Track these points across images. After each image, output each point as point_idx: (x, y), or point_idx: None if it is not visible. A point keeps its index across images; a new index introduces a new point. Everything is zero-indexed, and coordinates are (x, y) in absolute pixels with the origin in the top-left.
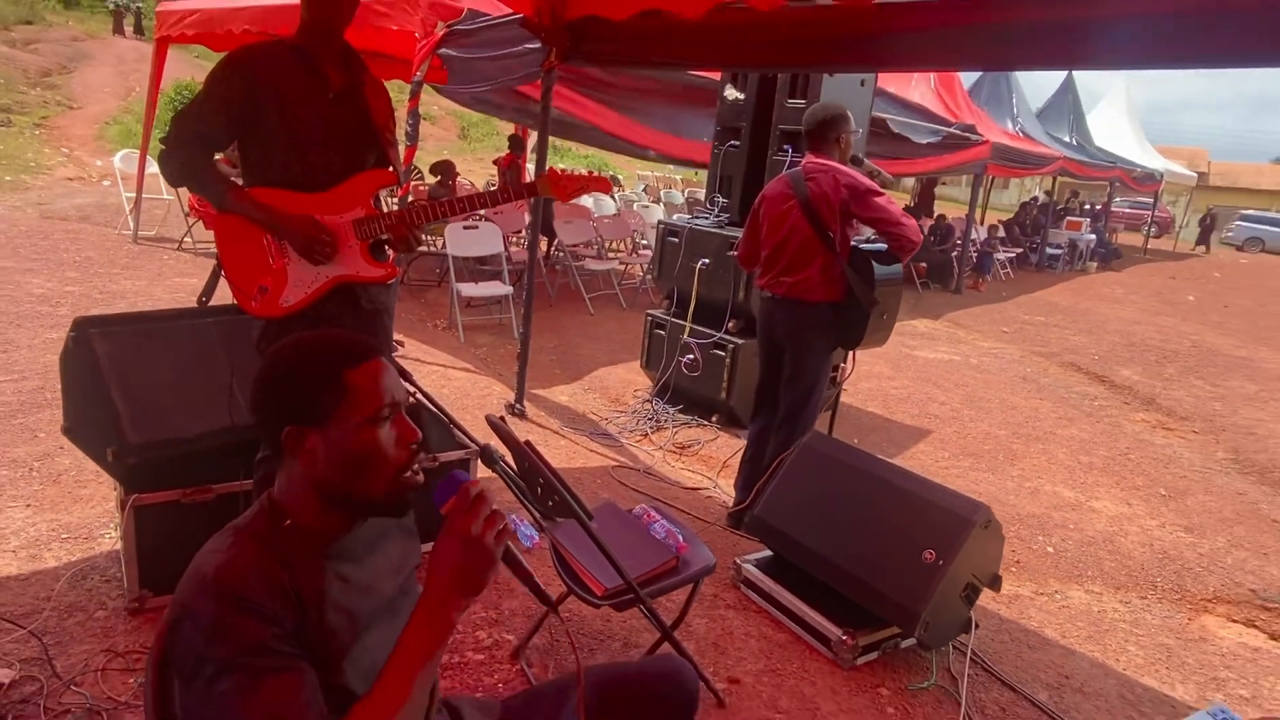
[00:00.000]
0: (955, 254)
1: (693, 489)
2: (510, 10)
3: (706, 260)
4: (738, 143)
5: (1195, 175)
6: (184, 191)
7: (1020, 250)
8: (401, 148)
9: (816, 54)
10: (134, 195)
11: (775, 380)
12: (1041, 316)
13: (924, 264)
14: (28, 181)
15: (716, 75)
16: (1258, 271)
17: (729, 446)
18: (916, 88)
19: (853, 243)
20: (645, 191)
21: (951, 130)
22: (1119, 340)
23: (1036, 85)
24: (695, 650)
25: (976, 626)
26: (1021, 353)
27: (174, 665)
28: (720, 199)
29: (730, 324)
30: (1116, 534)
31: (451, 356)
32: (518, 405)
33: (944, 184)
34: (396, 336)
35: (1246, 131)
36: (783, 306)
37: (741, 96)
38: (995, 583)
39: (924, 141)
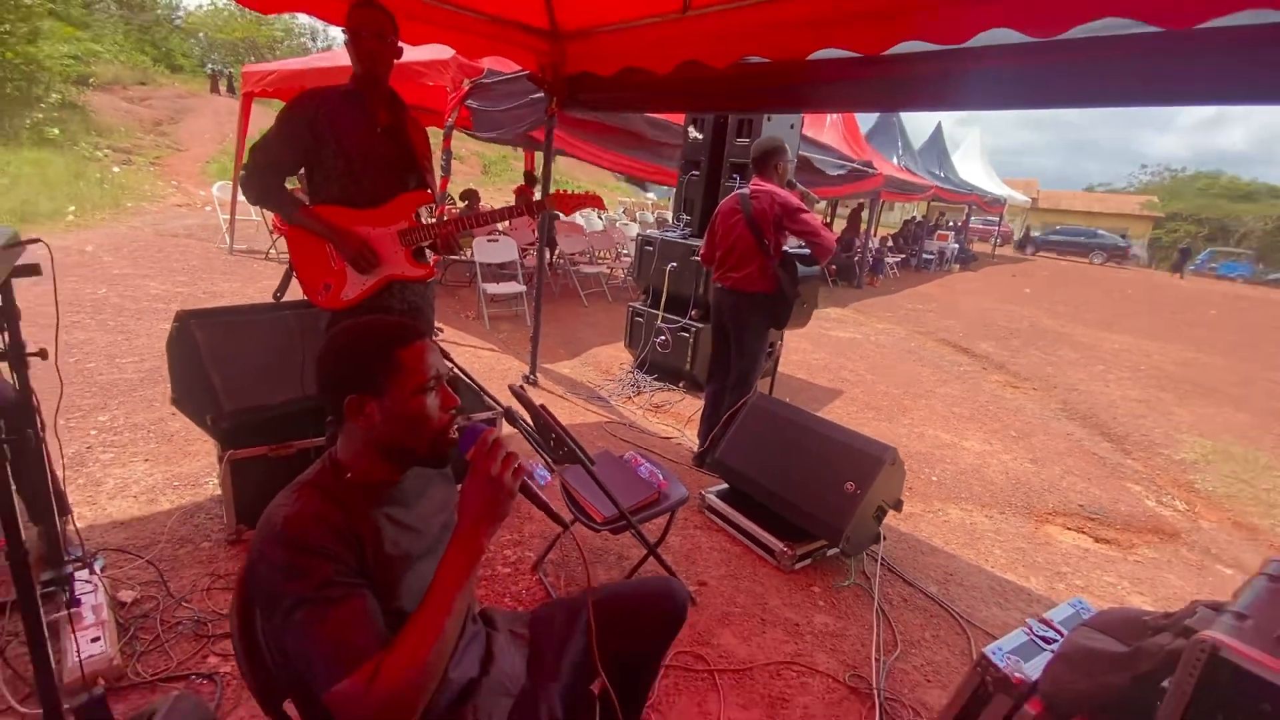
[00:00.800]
0: (857, 259)
1: (666, 438)
2: (520, 68)
3: (674, 263)
4: (698, 173)
5: (1029, 200)
6: (269, 213)
7: (904, 256)
8: (437, 178)
9: (757, 100)
10: (229, 217)
11: (725, 353)
12: (920, 305)
13: (834, 266)
14: (146, 207)
15: (680, 119)
16: (1075, 271)
17: (693, 405)
18: (828, 133)
19: (784, 249)
20: (624, 213)
21: (854, 166)
22: (976, 322)
23: (916, 130)
24: (672, 561)
25: (884, 539)
26: (907, 331)
27: (255, 600)
28: (685, 217)
29: (693, 312)
30: (981, 466)
31: (479, 340)
32: (531, 376)
33: (845, 206)
34: (437, 324)
35: (1066, 167)
36: (729, 295)
37: (700, 136)
38: (898, 506)
39: (834, 173)
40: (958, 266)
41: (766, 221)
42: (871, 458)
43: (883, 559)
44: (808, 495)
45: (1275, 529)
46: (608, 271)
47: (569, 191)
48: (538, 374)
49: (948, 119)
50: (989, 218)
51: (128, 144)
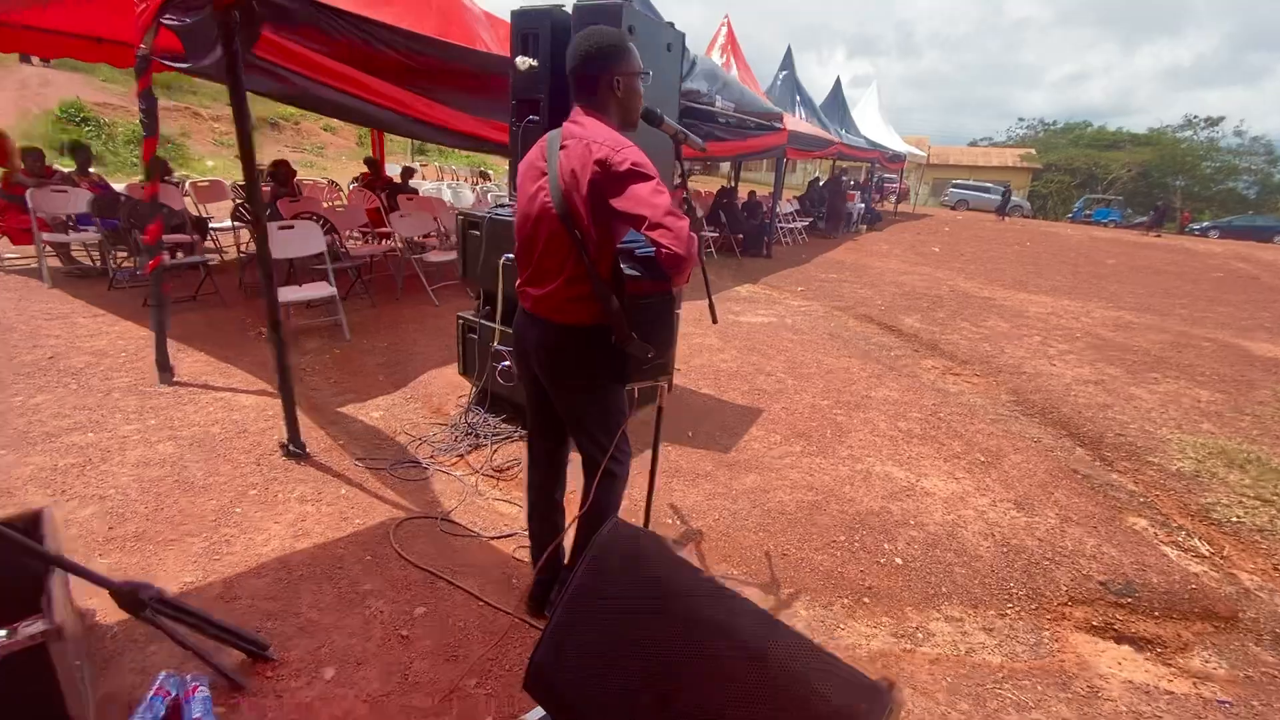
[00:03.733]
0: (765, 225)
1: (500, 537)
2: None
3: (511, 255)
4: (536, 117)
5: (926, 155)
6: None
7: (810, 219)
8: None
9: None
10: None
11: (546, 422)
12: (834, 274)
13: (741, 235)
14: None
15: (504, 45)
16: (969, 223)
17: None
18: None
19: (620, 246)
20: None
21: (761, 120)
22: (895, 291)
23: (815, 87)
24: None
25: None
26: (825, 309)
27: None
28: None
29: None
30: (956, 525)
31: (251, 376)
32: (292, 446)
33: (748, 169)
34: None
35: (947, 124)
36: (533, 325)
37: (535, 63)
38: None
39: (748, 126)
40: (865, 228)
41: (579, 191)
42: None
43: None
44: None
45: None
46: None
47: None
48: (323, 429)
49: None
50: (887, 175)
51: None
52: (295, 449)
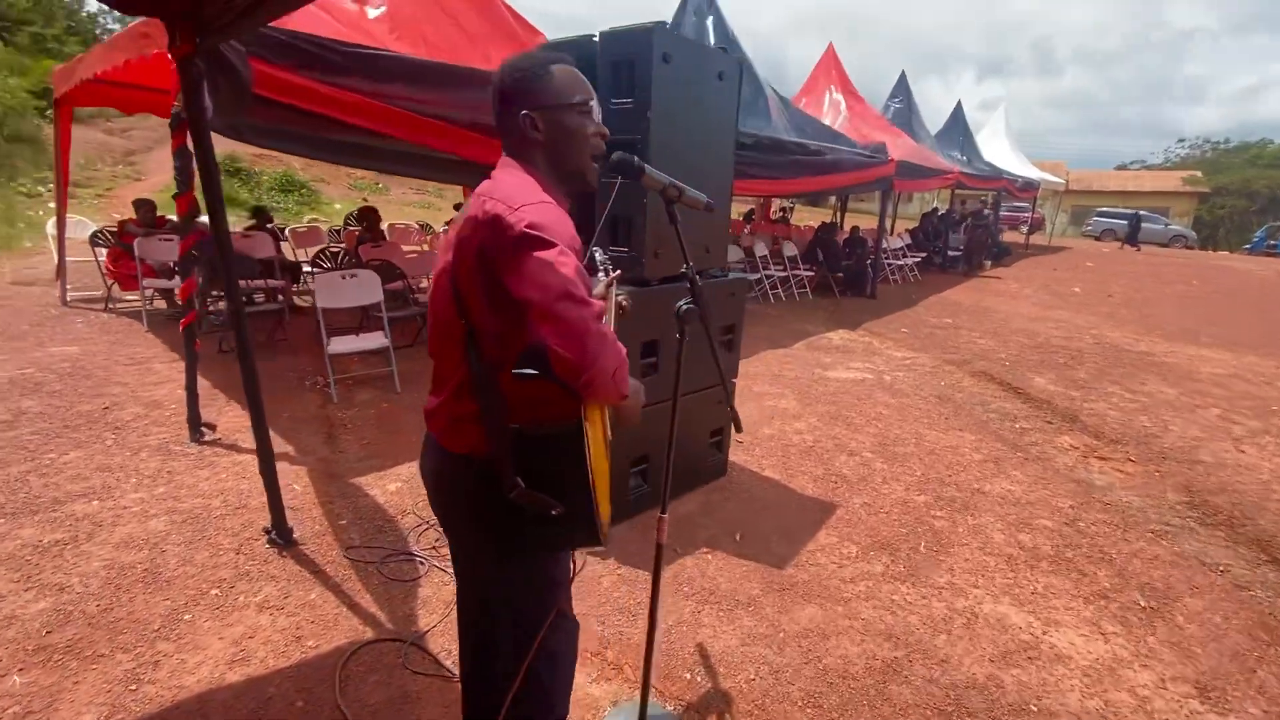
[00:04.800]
0: (870, 262)
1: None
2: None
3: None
4: None
5: (1064, 181)
6: (103, 251)
7: (925, 254)
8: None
9: None
10: (59, 260)
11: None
12: (949, 318)
13: (840, 274)
14: (47, 246)
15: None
16: (1119, 258)
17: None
18: (828, 117)
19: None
20: None
21: (863, 152)
22: (1024, 341)
23: (937, 113)
24: None
25: None
26: (934, 362)
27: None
28: (626, 251)
29: None
30: (1107, 715)
31: (281, 438)
32: (274, 533)
33: (861, 200)
34: (206, 420)
35: (1092, 147)
36: (427, 450)
37: None
38: None
39: (845, 160)
40: (989, 263)
41: (464, 267)
42: None
43: None
44: None
45: None
46: None
47: None
48: (321, 508)
49: (965, 105)
50: (1017, 204)
51: (79, 177)
52: (278, 537)
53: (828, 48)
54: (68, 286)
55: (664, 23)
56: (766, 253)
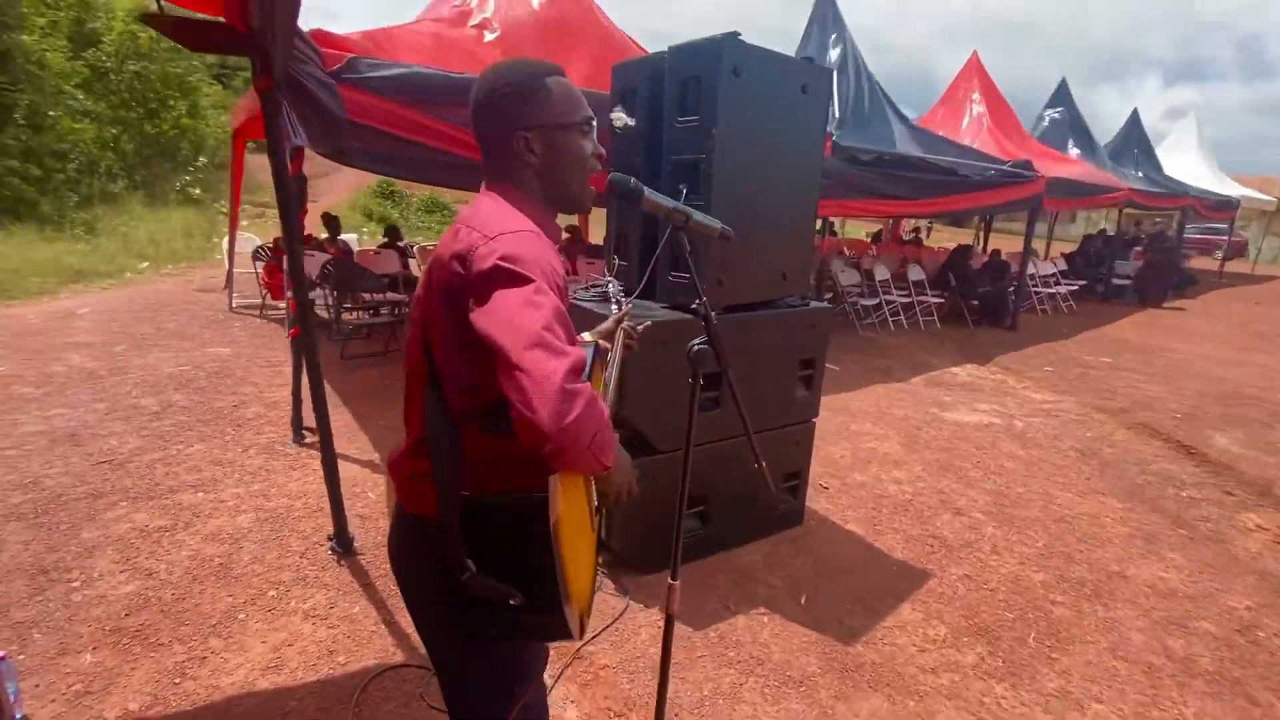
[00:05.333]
0: (1012, 289)
1: None
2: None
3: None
4: None
5: (1275, 200)
6: (260, 265)
7: (1084, 282)
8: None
9: None
10: (229, 270)
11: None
12: (1107, 357)
13: (975, 301)
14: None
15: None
16: None
17: (598, 614)
18: (968, 131)
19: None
20: None
21: (1003, 168)
22: (1205, 389)
23: (1106, 121)
24: None
25: None
26: (1081, 409)
27: None
28: (619, 262)
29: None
30: None
31: (368, 445)
32: (334, 541)
33: (1009, 220)
34: (308, 424)
35: None
36: (395, 520)
37: (633, 122)
38: None
39: (976, 178)
40: (1169, 293)
41: (431, 305)
42: None
43: None
44: None
45: None
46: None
47: None
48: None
49: (1147, 115)
50: (1212, 225)
51: (268, 199)
52: (338, 545)
53: (971, 56)
54: (234, 295)
55: (736, 34)
56: (889, 276)
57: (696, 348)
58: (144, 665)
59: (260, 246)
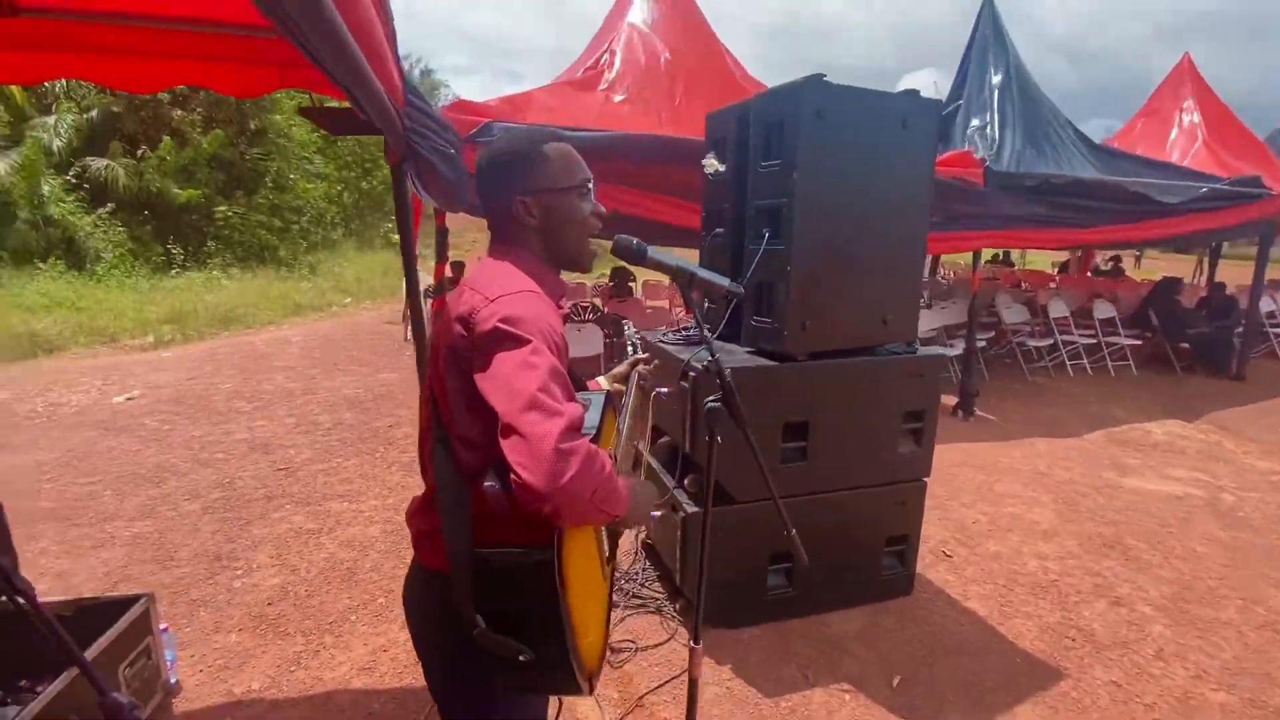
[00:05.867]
0: (1239, 330)
1: None
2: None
3: (665, 389)
4: (721, 230)
5: None
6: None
7: None
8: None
9: None
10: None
11: None
12: None
13: (1186, 344)
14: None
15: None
16: None
17: (666, 663)
18: (1177, 144)
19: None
20: None
21: (1219, 186)
22: None
23: None
24: None
25: None
26: None
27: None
28: (709, 305)
29: (688, 479)
30: None
31: None
32: None
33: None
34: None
35: None
36: (412, 568)
37: (722, 168)
38: None
39: (1174, 200)
40: None
41: (441, 365)
42: None
43: None
44: None
45: None
46: None
47: None
48: None
49: None
50: None
51: (464, 241)
52: None
53: (1182, 59)
54: (408, 327)
55: (820, 75)
56: (1068, 313)
57: (710, 405)
58: (272, 650)
59: (429, 286)
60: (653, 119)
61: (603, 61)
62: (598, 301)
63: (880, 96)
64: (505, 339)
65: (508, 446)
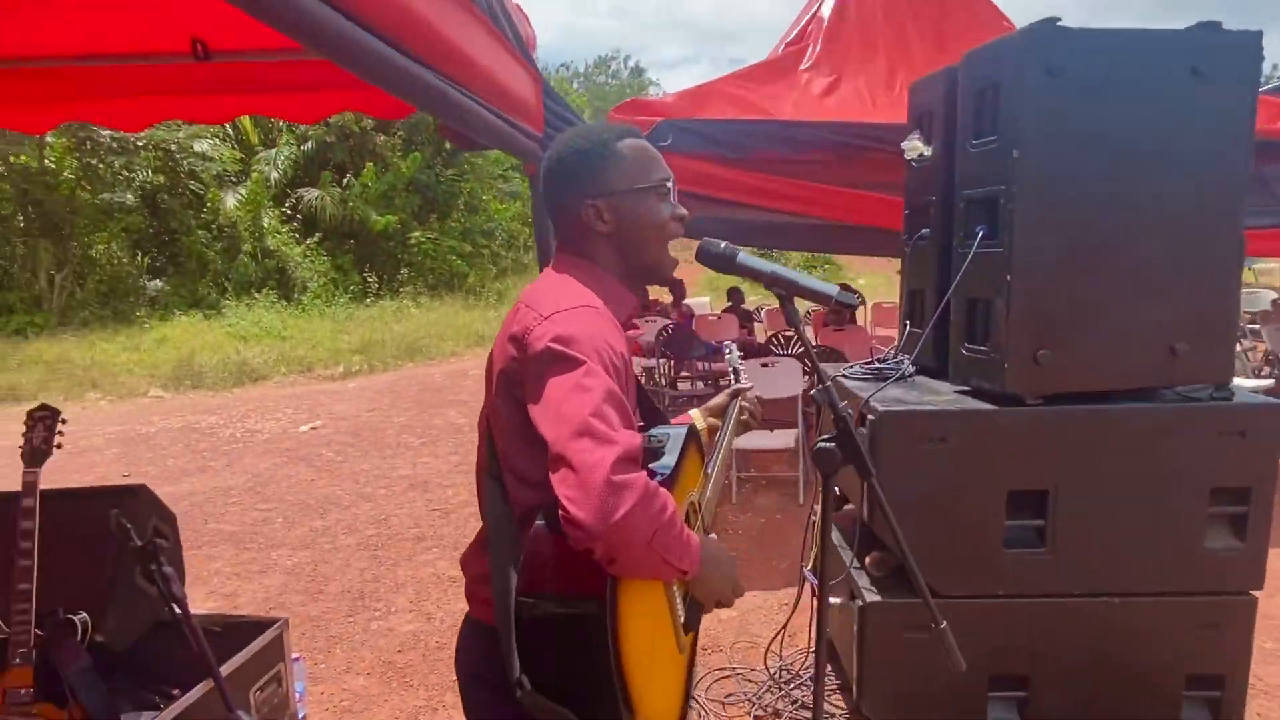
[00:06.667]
0: None
1: None
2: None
3: (828, 439)
4: (928, 231)
5: None
6: None
7: None
8: None
9: None
10: None
11: None
12: None
13: None
14: None
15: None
16: None
17: None
18: None
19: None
20: None
21: None
22: None
23: None
24: None
25: None
26: None
27: None
28: (909, 328)
29: (869, 558)
30: None
31: None
32: None
33: None
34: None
35: None
36: (464, 620)
37: (928, 152)
38: None
39: None
40: None
41: (492, 392)
42: None
43: None
44: None
45: None
46: None
47: None
48: None
49: None
50: None
51: None
52: None
53: None
54: None
55: (1054, 19)
56: None
57: (821, 445)
58: (394, 700)
59: None
60: (865, 103)
61: (809, 33)
62: (808, 331)
63: (1147, 38)
64: (557, 360)
65: (557, 480)
